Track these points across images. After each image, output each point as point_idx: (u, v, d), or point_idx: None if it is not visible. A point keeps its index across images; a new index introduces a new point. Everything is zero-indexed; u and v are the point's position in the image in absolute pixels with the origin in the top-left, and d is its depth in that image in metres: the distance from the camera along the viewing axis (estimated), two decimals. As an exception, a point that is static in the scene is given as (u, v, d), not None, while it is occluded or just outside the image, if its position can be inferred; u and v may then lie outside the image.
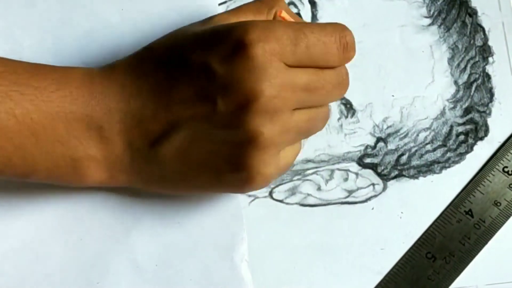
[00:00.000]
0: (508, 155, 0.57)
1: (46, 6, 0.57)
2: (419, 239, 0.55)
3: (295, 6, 0.60)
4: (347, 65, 0.55)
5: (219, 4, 0.59)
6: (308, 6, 0.60)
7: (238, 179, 0.49)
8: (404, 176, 0.58)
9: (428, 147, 0.58)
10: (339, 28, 0.50)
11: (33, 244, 0.54)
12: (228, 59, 0.47)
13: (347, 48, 0.50)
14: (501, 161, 0.57)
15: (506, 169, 0.57)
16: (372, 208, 0.57)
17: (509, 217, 0.56)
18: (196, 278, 0.54)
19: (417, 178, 0.58)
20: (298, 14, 0.60)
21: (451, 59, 0.60)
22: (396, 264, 0.55)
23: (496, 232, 0.55)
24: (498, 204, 0.56)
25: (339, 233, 0.56)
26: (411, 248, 0.55)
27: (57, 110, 0.48)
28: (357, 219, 0.57)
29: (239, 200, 0.55)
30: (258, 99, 0.46)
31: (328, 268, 0.55)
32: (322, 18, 0.60)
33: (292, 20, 0.52)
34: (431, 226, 0.56)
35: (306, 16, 0.60)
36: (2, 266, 0.53)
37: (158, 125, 0.49)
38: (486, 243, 0.55)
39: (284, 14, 0.52)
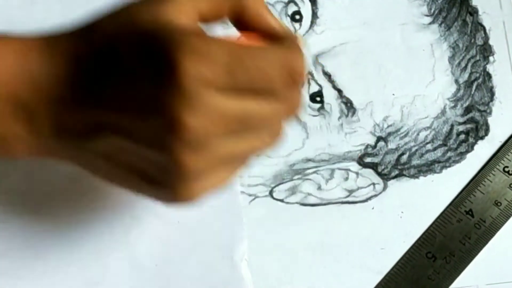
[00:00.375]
0: (508, 155, 0.57)
1: (45, 5, 0.57)
2: (419, 239, 0.55)
3: (296, 4, 0.60)
4: (348, 64, 0.55)
5: None
6: (308, 4, 0.60)
7: (159, 195, 0.47)
8: (405, 175, 0.58)
9: (429, 146, 0.58)
10: (284, 53, 0.45)
11: (32, 243, 0.54)
12: (157, 78, 0.43)
13: (293, 75, 0.45)
14: (502, 161, 0.57)
15: (506, 169, 0.57)
16: (373, 208, 0.57)
17: (510, 217, 0.56)
18: (195, 277, 0.54)
19: (417, 177, 0.57)
20: (298, 12, 0.60)
21: (451, 58, 0.60)
22: (396, 264, 0.55)
23: (496, 232, 0.55)
24: (499, 204, 0.56)
25: (339, 233, 0.56)
26: (411, 247, 0.55)
27: None
28: (357, 219, 0.57)
29: (239, 199, 0.55)
30: (181, 130, 0.43)
31: (328, 267, 0.55)
32: (323, 16, 0.60)
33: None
34: (431, 225, 0.56)
35: (307, 14, 0.60)
36: (1, 265, 0.53)
37: (86, 119, 0.46)
38: (486, 243, 0.55)
39: (242, 40, 0.48)
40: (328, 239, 0.56)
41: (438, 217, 0.56)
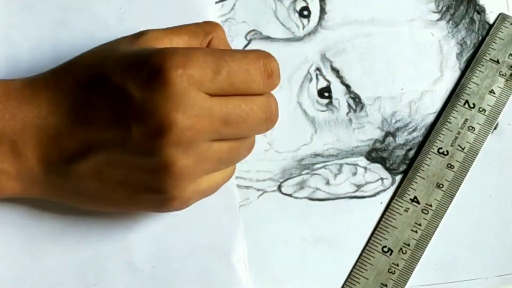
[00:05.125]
0: (440, 136, 0.57)
1: (43, 7, 0.57)
2: (372, 236, 0.55)
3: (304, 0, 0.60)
4: (357, 59, 0.55)
5: (216, 3, 0.59)
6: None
7: (153, 203, 0.49)
8: (413, 170, 0.58)
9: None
10: (262, 55, 0.48)
11: (30, 245, 0.53)
12: (146, 85, 0.45)
13: (272, 76, 0.48)
14: (435, 144, 0.57)
15: (441, 150, 0.57)
16: (381, 203, 0.57)
17: (454, 196, 0.56)
18: (193, 279, 0.54)
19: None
20: (306, 8, 0.60)
21: (459, 55, 0.60)
22: (356, 263, 0.55)
23: (444, 213, 0.55)
24: (441, 186, 0.56)
25: (348, 227, 0.56)
26: (367, 246, 0.55)
27: None
28: (366, 213, 0.56)
29: (237, 201, 0.55)
30: (171, 130, 0.45)
31: (337, 262, 0.55)
32: (331, 11, 0.60)
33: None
34: (380, 220, 0.56)
35: (315, 10, 0.60)
36: (0, 267, 0.53)
37: (74, 144, 0.48)
38: (437, 226, 0.55)
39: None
40: (336, 234, 0.56)
41: (385, 211, 0.56)
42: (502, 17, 0.61)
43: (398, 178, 0.57)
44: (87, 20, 0.57)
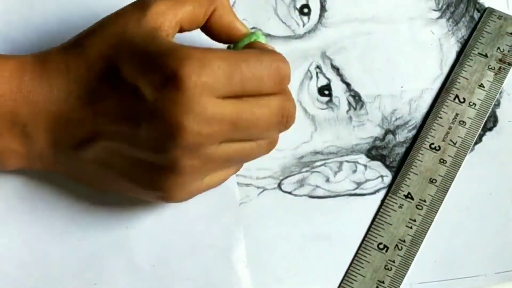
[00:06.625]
0: (431, 132, 0.57)
1: (44, 9, 0.57)
2: (367, 233, 0.55)
3: (304, -3, 0.60)
4: (357, 57, 0.55)
5: None
6: (317, -3, 0.60)
7: (155, 195, 0.50)
8: (413, 168, 0.58)
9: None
10: (277, 60, 0.48)
11: (30, 244, 0.54)
12: (159, 89, 0.46)
13: (284, 80, 0.48)
14: (426, 139, 0.57)
15: (432, 146, 0.57)
16: (381, 200, 0.57)
17: (447, 191, 0.56)
18: (193, 278, 0.54)
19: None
20: (307, 5, 0.60)
21: (459, 52, 0.60)
22: (352, 261, 0.55)
23: (438, 208, 0.55)
24: (434, 181, 0.56)
25: (348, 225, 0.56)
26: (363, 243, 0.55)
27: None
28: (365, 211, 0.56)
29: (237, 200, 0.55)
30: (180, 134, 0.45)
31: (337, 259, 0.55)
32: (331, 9, 0.60)
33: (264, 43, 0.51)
34: (375, 217, 0.56)
35: (315, 8, 0.60)
36: (0, 266, 0.53)
37: (83, 132, 0.49)
38: (432, 221, 0.55)
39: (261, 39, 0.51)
40: (336, 231, 0.56)
41: (380, 208, 0.56)
42: (489, 11, 0.61)
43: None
44: (86, 18, 0.57)
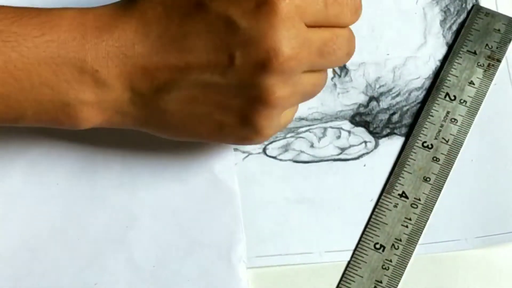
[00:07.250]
0: (423, 130, 0.58)
1: (43, 4, 0.57)
2: (363, 232, 0.56)
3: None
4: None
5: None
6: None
7: (241, 133, 0.49)
8: (396, 134, 0.58)
9: (420, 106, 0.59)
10: None
11: (30, 244, 0.53)
12: (252, 13, 0.46)
13: (357, 11, 0.50)
14: (419, 138, 0.58)
15: (425, 144, 0.57)
16: (364, 165, 0.58)
17: (441, 189, 0.56)
18: (193, 278, 0.54)
19: (408, 136, 0.58)
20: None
21: (443, 22, 0.61)
22: (349, 261, 0.55)
23: (433, 206, 0.56)
24: (428, 179, 0.56)
25: (331, 189, 0.57)
26: (359, 243, 0.55)
27: (44, 56, 0.46)
28: (349, 176, 0.57)
29: (238, 200, 0.56)
30: (277, 59, 0.46)
31: (320, 222, 0.56)
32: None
33: None
34: (371, 217, 0.56)
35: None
36: (-1, 267, 0.53)
37: (166, 73, 0.47)
38: (427, 219, 0.56)
39: None
40: (320, 195, 0.57)
41: (375, 207, 0.56)
42: (476, 9, 0.61)
43: (381, 141, 0.58)
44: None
